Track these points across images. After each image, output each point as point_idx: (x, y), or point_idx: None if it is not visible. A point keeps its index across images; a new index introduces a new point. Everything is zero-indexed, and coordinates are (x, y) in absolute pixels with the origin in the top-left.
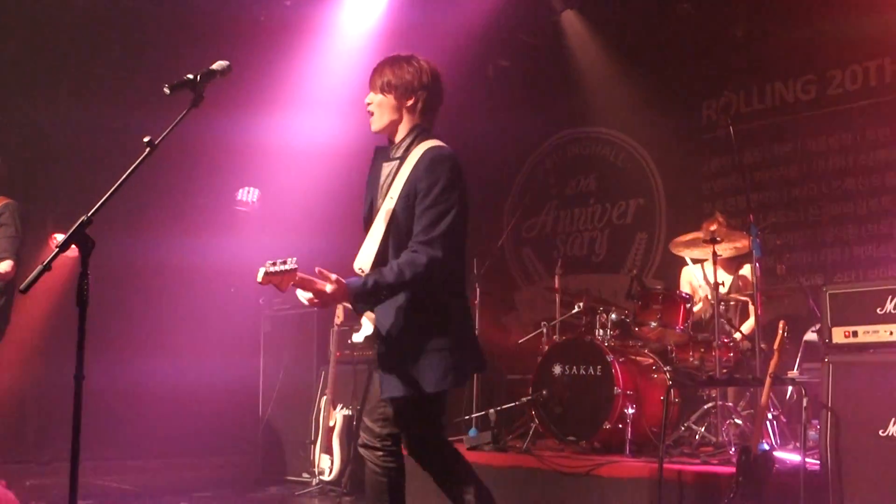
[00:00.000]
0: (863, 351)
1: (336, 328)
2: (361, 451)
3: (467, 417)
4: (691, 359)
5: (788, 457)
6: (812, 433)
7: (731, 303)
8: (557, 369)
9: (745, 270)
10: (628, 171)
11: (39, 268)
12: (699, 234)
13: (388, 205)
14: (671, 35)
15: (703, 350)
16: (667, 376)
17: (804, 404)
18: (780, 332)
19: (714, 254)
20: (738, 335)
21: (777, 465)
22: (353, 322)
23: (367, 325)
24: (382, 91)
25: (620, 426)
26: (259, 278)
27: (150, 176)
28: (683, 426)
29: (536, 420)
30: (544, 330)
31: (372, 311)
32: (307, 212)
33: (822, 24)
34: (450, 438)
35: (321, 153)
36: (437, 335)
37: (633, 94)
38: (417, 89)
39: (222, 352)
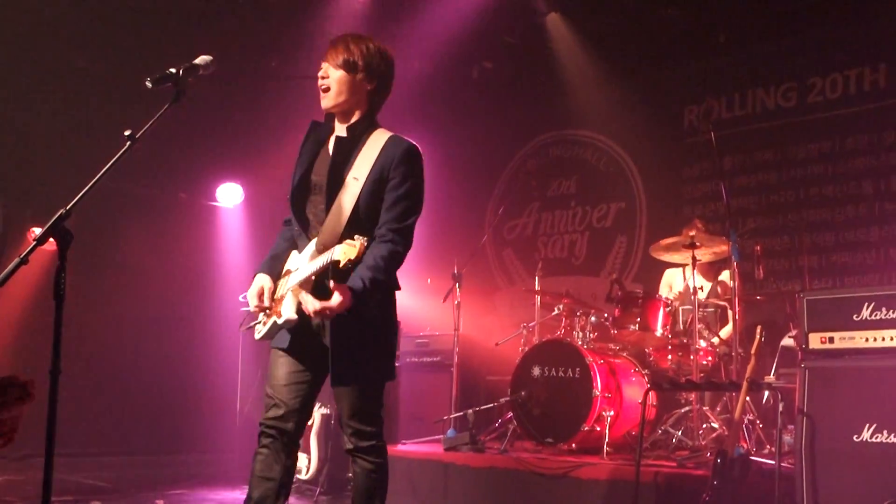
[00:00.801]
0: (839, 357)
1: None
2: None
3: (446, 418)
4: (669, 362)
5: (764, 461)
6: (787, 437)
7: (710, 308)
8: (536, 371)
9: (725, 276)
10: (610, 174)
11: (16, 261)
12: (679, 239)
13: (353, 186)
14: (655, 40)
15: (681, 354)
16: (645, 379)
17: (780, 409)
18: (758, 337)
19: (693, 259)
20: (716, 340)
21: (752, 469)
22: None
23: (288, 309)
24: (346, 69)
25: (598, 428)
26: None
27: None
28: (661, 429)
29: (515, 421)
30: (524, 331)
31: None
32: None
33: (804, 32)
34: (428, 438)
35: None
36: (383, 327)
37: (616, 98)
38: (381, 74)
39: (201, 348)
